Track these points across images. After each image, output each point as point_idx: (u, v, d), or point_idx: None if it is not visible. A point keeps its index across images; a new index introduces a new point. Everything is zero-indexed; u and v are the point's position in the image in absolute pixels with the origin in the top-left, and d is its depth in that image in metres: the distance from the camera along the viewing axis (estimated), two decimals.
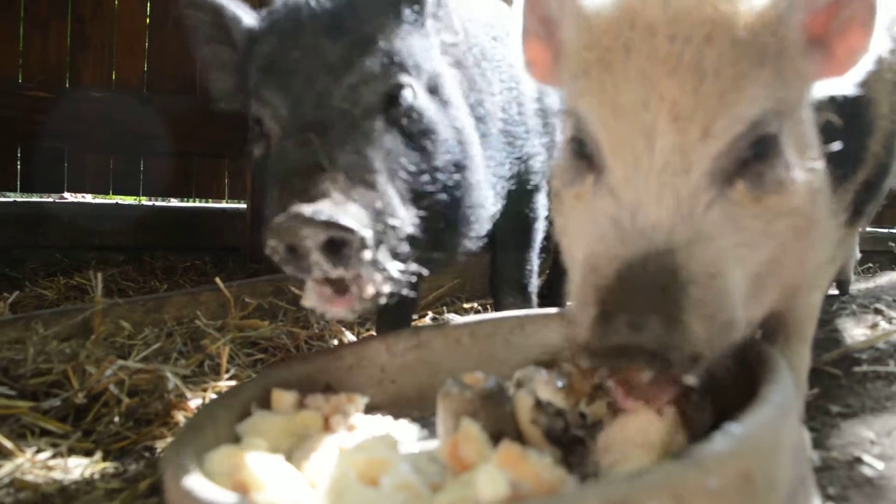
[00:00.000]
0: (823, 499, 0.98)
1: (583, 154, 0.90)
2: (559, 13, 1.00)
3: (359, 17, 1.16)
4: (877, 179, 1.14)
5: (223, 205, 5.35)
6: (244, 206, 4.63)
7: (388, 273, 1.04)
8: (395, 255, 1.06)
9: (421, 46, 1.22)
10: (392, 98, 1.14)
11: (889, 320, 1.61)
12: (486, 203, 1.35)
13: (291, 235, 0.94)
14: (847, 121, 1.01)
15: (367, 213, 1.00)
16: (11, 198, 4.63)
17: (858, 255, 2.08)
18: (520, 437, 0.97)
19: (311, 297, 1.07)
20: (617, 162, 0.85)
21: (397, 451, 0.80)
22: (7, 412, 1.51)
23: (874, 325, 1.61)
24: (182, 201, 5.23)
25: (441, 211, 1.20)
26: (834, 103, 0.96)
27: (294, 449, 0.94)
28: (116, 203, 5.01)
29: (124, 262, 4.25)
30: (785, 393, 0.77)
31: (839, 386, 1.37)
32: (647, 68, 0.83)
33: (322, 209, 0.96)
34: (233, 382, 1.67)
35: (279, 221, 0.95)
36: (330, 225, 0.95)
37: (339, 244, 0.97)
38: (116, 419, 1.52)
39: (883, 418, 1.21)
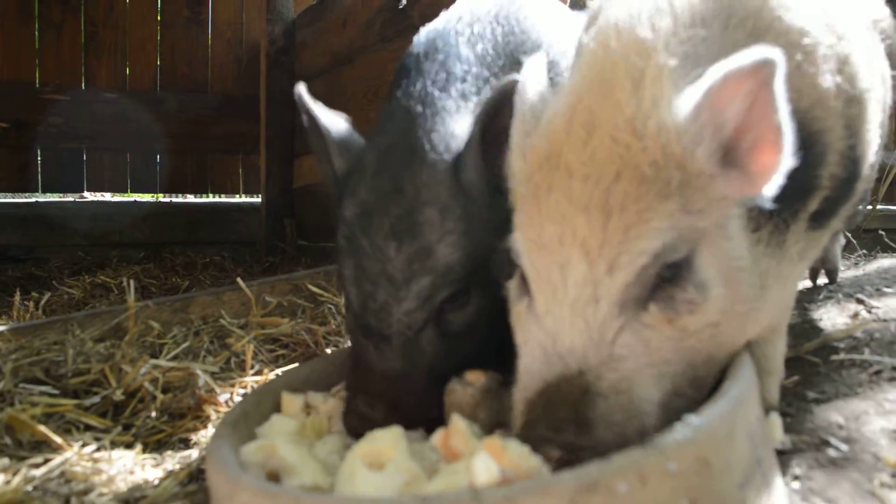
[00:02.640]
0: (790, 478, 1.09)
1: (522, 278, 1.00)
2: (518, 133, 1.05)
3: (417, 219, 1.14)
4: (841, 193, 1.22)
5: (238, 199, 5.48)
6: (259, 200, 4.76)
7: None
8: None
9: (473, 240, 1.17)
10: (442, 310, 1.16)
11: (869, 309, 1.71)
12: None
13: (351, 428, 1.13)
14: (798, 155, 0.99)
15: (409, 420, 1.09)
16: (34, 198, 4.77)
17: (843, 241, 2.17)
18: None
19: None
20: (539, 293, 0.94)
21: (400, 441, 0.92)
22: (53, 410, 1.65)
23: (855, 315, 1.70)
24: (198, 197, 5.37)
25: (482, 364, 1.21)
26: None
27: (310, 447, 1.07)
28: (135, 200, 5.15)
29: (144, 258, 4.40)
30: (742, 387, 0.88)
31: (817, 373, 1.47)
32: (563, 207, 0.91)
33: (375, 420, 1.09)
34: (257, 377, 1.80)
35: (348, 416, 1.15)
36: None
37: None
38: (153, 414, 1.65)
39: (853, 404, 1.31)
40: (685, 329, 0.92)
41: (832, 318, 1.75)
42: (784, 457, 1.14)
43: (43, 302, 2.81)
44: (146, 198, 5.30)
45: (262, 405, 1.18)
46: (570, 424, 0.86)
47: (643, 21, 1.00)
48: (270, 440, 1.09)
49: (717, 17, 1.06)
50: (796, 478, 1.09)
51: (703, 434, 0.78)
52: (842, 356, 1.49)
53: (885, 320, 1.62)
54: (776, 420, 1.19)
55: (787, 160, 0.92)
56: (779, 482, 0.94)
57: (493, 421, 1.06)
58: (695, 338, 0.93)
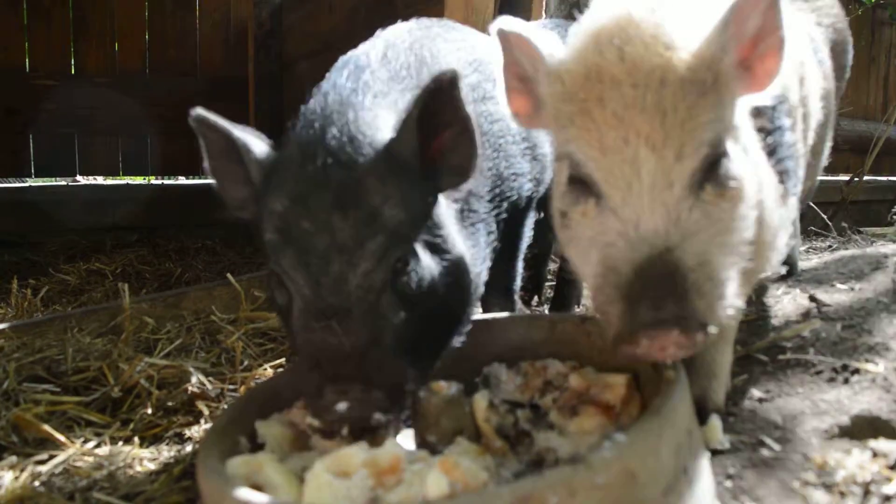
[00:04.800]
0: (724, 477, 1.20)
1: (580, 182, 1.12)
2: (533, 73, 1.21)
3: (362, 186, 1.21)
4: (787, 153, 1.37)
5: None
6: None
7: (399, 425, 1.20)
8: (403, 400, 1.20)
9: (419, 206, 1.26)
10: (398, 272, 1.22)
11: (820, 307, 1.82)
12: (477, 292, 1.45)
13: (328, 424, 1.14)
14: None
15: (385, 395, 1.14)
16: (28, 183, 4.83)
17: (800, 242, 2.29)
18: (477, 432, 1.21)
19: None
20: (612, 189, 1.06)
21: (365, 453, 1.03)
22: (56, 408, 1.76)
23: (807, 312, 1.82)
24: (189, 179, 5.43)
25: (442, 336, 1.32)
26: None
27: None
28: (127, 183, 5.21)
29: (138, 241, 4.47)
30: (671, 404, 0.99)
31: (765, 372, 1.58)
32: (620, 112, 1.05)
33: (352, 407, 1.12)
34: (247, 373, 1.91)
35: (317, 411, 1.14)
36: (361, 419, 1.12)
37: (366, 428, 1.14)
38: (149, 410, 1.76)
39: (791, 403, 1.42)
40: (733, 201, 1.08)
41: (787, 314, 1.86)
42: (721, 456, 1.26)
43: (41, 294, 2.90)
44: (138, 180, 5.36)
45: (249, 413, 1.28)
46: (670, 298, 0.99)
47: None
48: (265, 448, 1.19)
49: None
50: (729, 477, 1.20)
51: (629, 449, 0.89)
52: (788, 356, 1.60)
53: (832, 318, 1.73)
54: (716, 423, 1.31)
55: (785, 66, 1.12)
56: (705, 485, 1.05)
57: (455, 428, 1.17)
58: (738, 214, 1.09)
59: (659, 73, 1.05)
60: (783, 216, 1.32)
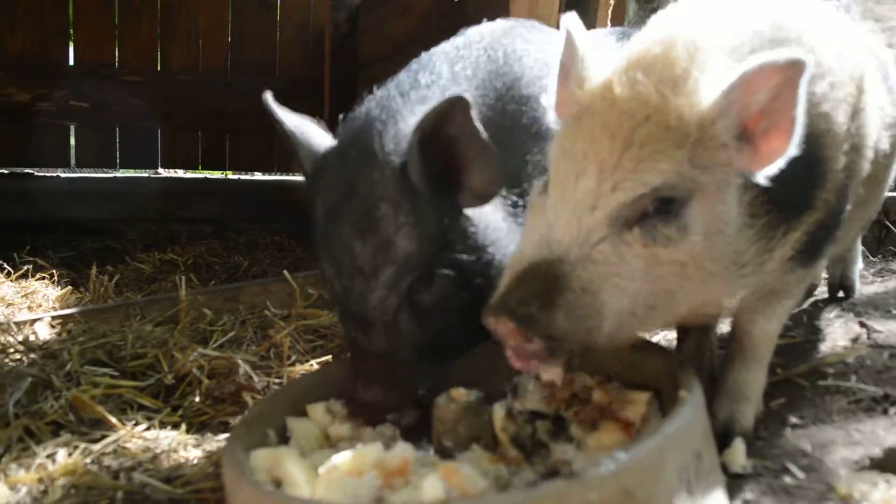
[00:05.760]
0: (741, 502, 1.19)
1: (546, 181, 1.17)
2: (570, 70, 1.23)
3: (377, 216, 1.29)
4: (830, 222, 1.32)
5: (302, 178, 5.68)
6: None
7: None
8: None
9: (434, 232, 1.32)
10: (412, 293, 1.32)
11: (870, 334, 1.76)
12: None
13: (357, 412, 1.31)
14: (799, 173, 1.18)
15: (399, 395, 1.31)
16: (112, 174, 5.08)
17: (861, 265, 2.21)
18: (495, 440, 1.23)
19: None
20: (554, 190, 1.11)
21: (377, 454, 1.07)
22: (113, 391, 1.87)
23: (856, 338, 1.76)
24: (265, 175, 5.61)
25: (466, 338, 1.39)
26: (791, 161, 1.14)
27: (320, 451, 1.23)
28: (205, 177, 5.42)
29: (212, 234, 4.65)
30: (679, 424, 0.99)
31: (803, 397, 1.54)
32: (597, 131, 1.09)
33: (376, 402, 1.29)
34: (292, 368, 1.98)
35: (346, 397, 1.34)
36: (378, 412, 1.30)
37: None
38: (197, 398, 1.85)
39: (824, 431, 1.38)
40: (656, 257, 1.08)
41: (835, 339, 1.81)
42: (741, 480, 1.24)
43: (115, 280, 3.07)
44: (216, 175, 5.57)
45: (280, 407, 1.34)
46: (536, 300, 1.03)
47: (708, 16, 1.21)
48: (290, 443, 1.26)
49: (765, 37, 1.20)
50: (746, 502, 1.19)
51: (627, 468, 0.90)
52: (829, 381, 1.56)
53: (881, 346, 1.67)
54: (740, 447, 1.29)
55: (794, 149, 1.08)
56: None
57: (472, 436, 1.20)
58: (662, 269, 1.09)
59: (649, 110, 1.07)
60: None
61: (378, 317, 1.30)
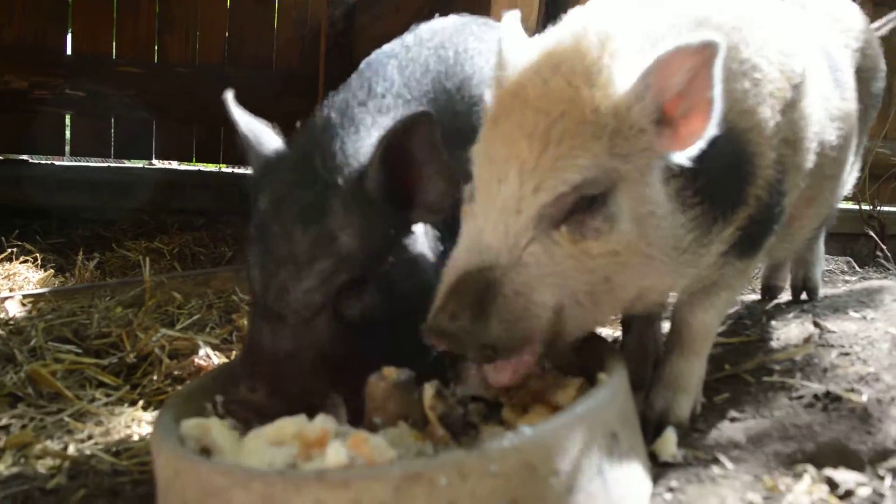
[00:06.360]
0: (664, 490, 1.18)
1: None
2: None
3: (319, 215, 1.27)
4: (763, 217, 1.33)
5: None
6: None
7: None
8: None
9: (375, 242, 1.30)
10: (342, 294, 1.28)
11: (822, 333, 1.77)
12: None
13: (230, 408, 1.26)
14: (728, 170, 1.20)
15: (284, 404, 1.20)
16: (106, 164, 5.11)
17: (823, 266, 2.22)
18: (424, 419, 1.24)
19: None
20: (479, 196, 1.12)
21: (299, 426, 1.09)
22: (75, 367, 1.89)
23: (808, 338, 1.77)
24: None
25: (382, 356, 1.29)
26: (717, 157, 1.16)
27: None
28: (198, 170, 5.44)
29: (203, 225, 4.68)
30: (592, 405, 1.01)
31: (747, 392, 1.54)
32: (514, 131, 1.09)
33: (257, 403, 1.22)
34: None
35: (231, 397, 1.26)
36: (257, 414, 1.21)
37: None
38: (156, 377, 1.87)
39: (762, 425, 1.38)
40: (588, 251, 1.09)
41: (789, 338, 1.82)
42: (669, 469, 1.25)
43: (93, 264, 3.09)
44: (210, 167, 5.60)
45: (219, 382, 1.36)
46: (467, 312, 1.03)
47: (625, 9, 1.21)
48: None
49: (682, 24, 1.20)
50: (670, 490, 1.20)
51: (530, 442, 0.91)
52: (774, 378, 1.57)
53: (831, 345, 1.68)
54: (671, 436, 1.31)
55: (712, 129, 1.09)
56: (630, 492, 1.06)
57: (401, 414, 1.21)
58: (595, 261, 1.10)
59: (564, 106, 1.07)
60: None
61: (296, 311, 1.25)
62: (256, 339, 1.27)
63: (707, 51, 1.03)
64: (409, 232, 1.37)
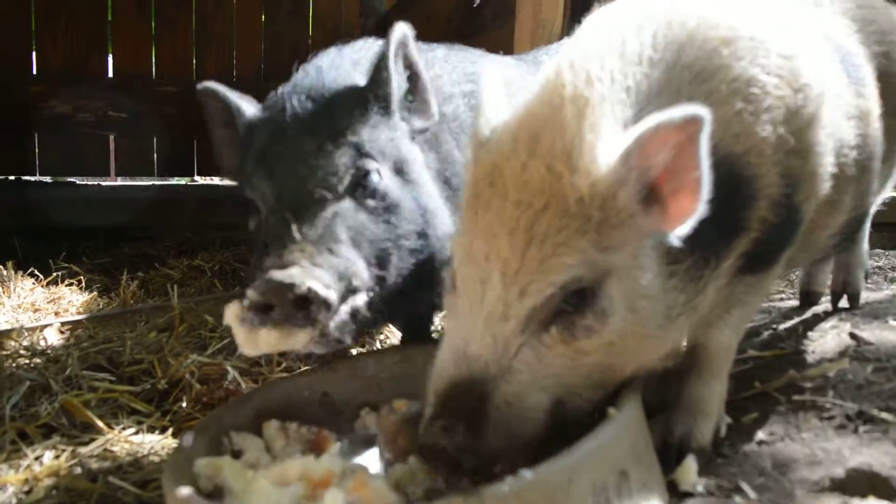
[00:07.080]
0: None
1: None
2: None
3: (333, 116, 1.43)
4: (771, 237, 1.25)
5: None
6: None
7: (349, 324, 1.30)
8: (356, 310, 1.32)
9: (387, 136, 1.47)
10: (359, 182, 1.38)
11: (859, 346, 1.70)
12: (441, 246, 1.53)
13: (266, 295, 1.22)
14: (722, 202, 1.08)
15: (330, 275, 1.26)
16: (150, 182, 5.23)
17: (869, 267, 2.12)
18: None
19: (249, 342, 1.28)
20: (462, 298, 1.06)
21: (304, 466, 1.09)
22: (108, 395, 1.94)
23: (844, 351, 1.70)
24: None
25: (405, 271, 1.43)
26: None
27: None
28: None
29: (244, 240, 4.75)
30: (598, 443, 0.98)
31: (776, 412, 1.49)
32: (494, 227, 1.02)
33: (293, 274, 1.23)
34: (282, 375, 2.02)
35: (257, 284, 1.23)
36: (297, 287, 1.22)
37: (305, 301, 1.24)
38: (185, 404, 1.90)
39: (790, 449, 1.33)
40: (580, 350, 1.04)
41: (825, 350, 1.75)
42: (690, 500, 1.22)
43: (132, 286, 3.16)
44: None
45: (238, 415, 1.37)
46: (462, 428, 0.99)
47: (594, 56, 1.11)
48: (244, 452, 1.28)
49: (664, 58, 1.14)
50: None
51: (529, 485, 0.89)
52: (805, 396, 1.51)
53: (867, 359, 1.61)
54: (691, 464, 1.26)
55: (703, 207, 1.02)
56: None
57: (411, 448, 1.20)
58: (590, 357, 1.05)
59: (545, 198, 1.00)
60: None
61: (319, 196, 1.34)
62: (277, 229, 1.33)
63: (691, 127, 0.95)
64: (405, 136, 1.53)
